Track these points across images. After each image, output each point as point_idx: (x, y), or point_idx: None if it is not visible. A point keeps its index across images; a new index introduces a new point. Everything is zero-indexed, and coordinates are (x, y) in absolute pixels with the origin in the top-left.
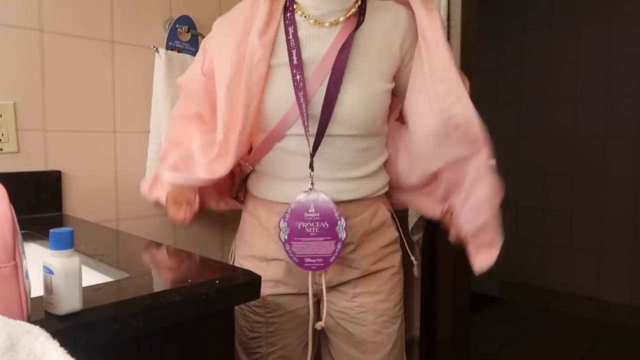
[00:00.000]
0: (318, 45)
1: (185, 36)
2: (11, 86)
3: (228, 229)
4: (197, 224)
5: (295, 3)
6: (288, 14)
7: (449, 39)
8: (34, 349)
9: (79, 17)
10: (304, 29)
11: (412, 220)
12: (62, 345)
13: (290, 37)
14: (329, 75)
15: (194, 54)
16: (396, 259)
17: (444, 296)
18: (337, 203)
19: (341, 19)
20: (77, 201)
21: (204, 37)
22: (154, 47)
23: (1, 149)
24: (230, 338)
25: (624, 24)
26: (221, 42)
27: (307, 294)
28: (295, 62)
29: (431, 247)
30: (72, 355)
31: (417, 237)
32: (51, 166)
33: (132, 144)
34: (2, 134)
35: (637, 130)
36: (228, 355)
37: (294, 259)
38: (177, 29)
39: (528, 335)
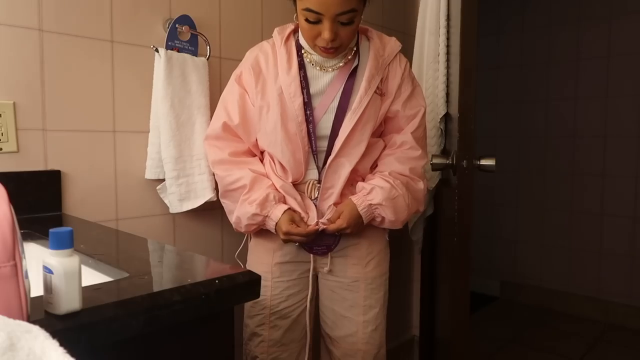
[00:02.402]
0: (322, 83)
1: (185, 36)
2: (11, 86)
3: (228, 228)
4: (197, 224)
5: (303, 48)
6: (299, 59)
7: (448, 38)
8: (34, 349)
9: (79, 17)
10: (311, 71)
11: (411, 221)
12: (61, 344)
13: (301, 78)
14: (333, 104)
15: (193, 53)
16: (384, 243)
17: (443, 296)
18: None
19: (341, 64)
20: (76, 201)
21: (204, 36)
22: (153, 46)
23: (1, 149)
24: (230, 338)
25: (624, 24)
26: (257, 82)
27: (309, 262)
28: (305, 99)
29: (431, 247)
30: (72, 355)
31: (416, 237)
32: (51, 166)
33: (131, 143)
34: (2, 134)
35: (637, 130)
36: (228, 355)
37: (305, 247)
38: (176, 28)
39: (528, 335)
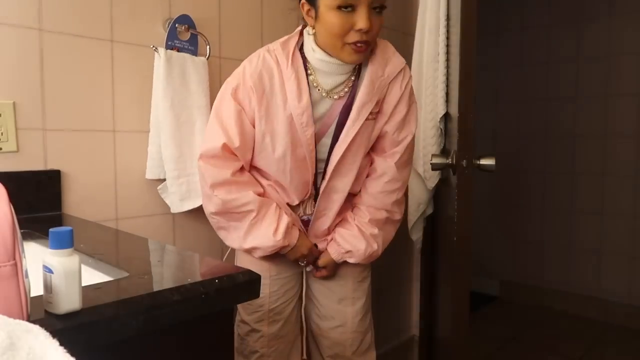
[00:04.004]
0: (323, 108)
1: (184, 35)
2: (10, 85)
3: None
4: (197, 224)
5: (309, 68)
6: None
7: (448, 38)
8: (34, 348)
9: (79, 16)
10: (315, 95)
11: (411, 221)
12: (61, 344)
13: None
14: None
15: (193, 53)
16: None
17: (443, 296)
18: None
19: (346, 90)
20: (76, 200)
21: (203, 36)
22: (153, 46)
23: (1, 149)
24: (230, 337)
25: (624, 23)
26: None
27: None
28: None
29: (431, 247)
30: (72, 354)
31: (416, 236)
32: (51, 165)
33: (131, 143)
34: (2, 133)
35: (637, 129)
36: (228, 355)
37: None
38: (176, 28)
39: (527, 335)
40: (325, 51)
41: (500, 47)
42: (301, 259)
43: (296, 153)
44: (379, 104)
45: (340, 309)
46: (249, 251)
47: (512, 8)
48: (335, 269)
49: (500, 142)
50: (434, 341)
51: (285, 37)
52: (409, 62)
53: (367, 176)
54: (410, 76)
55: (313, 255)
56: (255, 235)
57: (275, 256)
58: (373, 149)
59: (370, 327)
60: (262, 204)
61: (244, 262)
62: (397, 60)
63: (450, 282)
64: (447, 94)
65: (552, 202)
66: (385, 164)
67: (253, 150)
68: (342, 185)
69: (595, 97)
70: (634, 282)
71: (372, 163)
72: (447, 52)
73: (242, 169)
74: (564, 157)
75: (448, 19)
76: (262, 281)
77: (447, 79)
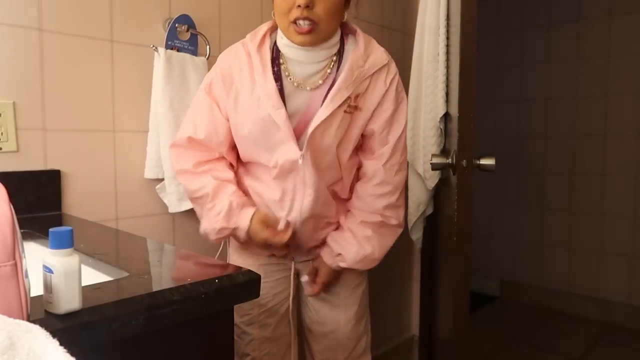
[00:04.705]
0: (297, 103)
1: (184, 35)
2: (10, 85)
3: None
4: (197, 223)
5: (282, 57)
6: (275, 68)
7: (448, 38)
8: (34, 348)
9: (79, 16)
10: (287, 87)
11: (411, 220)
12: (61, 344)
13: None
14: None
15: (193, 53)
16: None
17: (443, 296)
18: None
19: (320, 82)
20: (76, 200)
21: (203, 36)
22: (153, 46)
23: (1, 148)
24: (230, 337)
25: (624, 23)
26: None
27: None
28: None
29: (431, 247)
30: (72, 354)
31: (416, 236)
32: (50, 165)
33: (131, 143)
34: (2, 133)
35: (637, 129)
36: (227, 355)
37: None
38: (176, 28)
39: (527, 335)
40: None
41: (500, 47)
42: (270, 245)
43: (274, 140)
44: (359, 98)
45: (332, 315)
46: (204, 237)
47: (512, 8)
48: (333, 278)
49: (500, 142)
50: (434, 341)
51: (257, 28)
52: (409, 62)
53: (358, 180)
54: (397, 73)
55: (280, 240)
56: (205, 219)
57: (265, 259)
58: (362, 150)
59: (366, 332)
60: (218, 187)
61: (232, 261)
62: (381, 56)
63: (450, 282)
64: (447, 94)
65: (552, 202)
66: (374, 166)
67: (237, 146)
68: (318, 181)
69: (595, 97)
70: (634, 282)
71: (361, 167)
72: (447, 52)
73: (211, 160)
74: (564, 157)
75: (448, 19)
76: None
77: (447, 79)
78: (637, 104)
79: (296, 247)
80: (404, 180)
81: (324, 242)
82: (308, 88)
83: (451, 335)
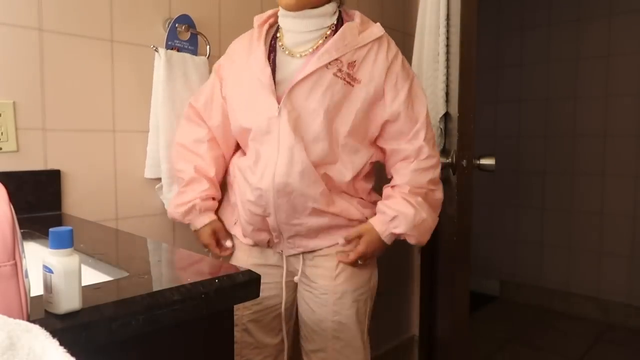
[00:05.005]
0: (289, 70)
1: (184, 35)
2: (10, 85)
3: None
4: None
5: (280, 31)
6: (272, 42)
7: (448, 38)
8: (34, 348)
9: (79, 16)
10: (280, 57)
11: None
12: (61, 344)
13: (270, 62)
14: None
15: (193, 52)
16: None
17: (443, 296)
18: None
19: (310, 50)
20: (76, 200)
21: (203, 36)
22: (153, 46)
23: (1, 148)
24: (230, 337)
25: (624, 23)
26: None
27: (282, 267)
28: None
29: (431, 247)
30: (72, 354)
31: None
32: (50, 165)
33: (131, 143)
34: (2, 133)
35: (637, 129)
36: (227, 355)
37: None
38: (176, 28)
39: (527, 335)
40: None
41: (501, 47)
42: (206, 247)
43: (259, 101)
44: (355, 67)
45: (318, 331)
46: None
47: (512, 8)
48: (373, 249)
49: (500, 142)
50: (434, 341)
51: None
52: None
53: (396, 165)
54: (399, 52)
55: (216, 253)
56: (174, 196)
57: (256, 258)
58: (390, 138)
59: (361, 349)
60: (193, 180)
61: (232, 259)
62: (378, 29)
63: (450, 282)
64: (447, 94)
65: (551, 202)
66: (416, 144)
67: (231, 125)
68: (296, 146)
69: (595, 97)
70: (634, 282)
71: (390, 155)
72: (447, 52)
73: (206, 140)
74: (564, 157)
75: (448, 19)
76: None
77: (447, 79)
78: (637, 104)
79: (276, 230)
80: (440, 164)
81: (312, 233)
82: (298, 55)
83: (451, 335)
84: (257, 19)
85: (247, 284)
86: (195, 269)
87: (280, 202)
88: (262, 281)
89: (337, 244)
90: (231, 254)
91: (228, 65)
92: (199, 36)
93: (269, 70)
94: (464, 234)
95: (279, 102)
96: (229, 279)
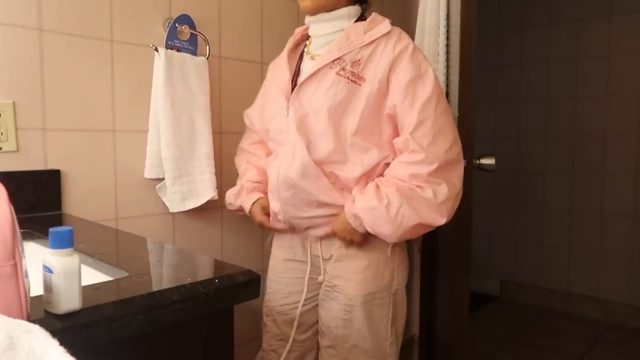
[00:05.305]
0: (305, 71)
1: (184, 35)
2: (10, 85)
3: (227, 228)
4: (197, 223)
5: (310, 39)
6: (303, 49)
7: (448, 38)
8: (34, 348)
9: (79, 16)
10: (305, 62)
11: None
12: (61, 344)
13: (296, 68)
14: None
15: (193, 52)
16: (379, 260)
17: (443, 296)
18: None
19: (323, 52)
20: (76, 200)
21: (203, 36)
22: (153, 46)
23: (1, 148)
24: (230, 337)
25: (624, 23)
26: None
27: (306, 262)
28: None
29: (431, 247)
30: (72, 354)
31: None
32: (50, 165)
33: (131, 143)
34: (2, 133)
35: (637, 129)
36: (227, 355)
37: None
38: (176, 28)
39: (527, 335)
40: None
41: (500, 47)
42: (259, 225)
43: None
44: (361, 66)
45: (331, 328)
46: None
47: (512, 8)
48: (350, 235)
49: (500, 142)
50: (434, 341)
51: None
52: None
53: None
54: (410, 44)
55: (268, 226)
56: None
57: (286, 254)
58: (396, 134)
59: (374, 352)
60: (245, 170)
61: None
62: (385, 25)
63: (450, 282)
64: (447, 94)
65: (551, 202)
66: (403, 137)
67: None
68: (300, 143)
69: (595, 97)
70: (634, 282)
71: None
72: (447, 52)
73: (257, 142)
74: (564, 157)
75: (448, 19)
76: (270, 276)
77: (447, 79)
78: (637, 104)
79: (287, 222)
80: (446, 154)
81: (322, 223)
82: (316, 57)
83: (451, 335)
84: (299, 30)
85: (247, 284)
86: (195, 269)
87: (286, 195)
88: (289, 275)
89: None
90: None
91: (268, 76)
92: (198, 36)
93: (288, 74)
94: (464, 234)
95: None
96: (229, 279)
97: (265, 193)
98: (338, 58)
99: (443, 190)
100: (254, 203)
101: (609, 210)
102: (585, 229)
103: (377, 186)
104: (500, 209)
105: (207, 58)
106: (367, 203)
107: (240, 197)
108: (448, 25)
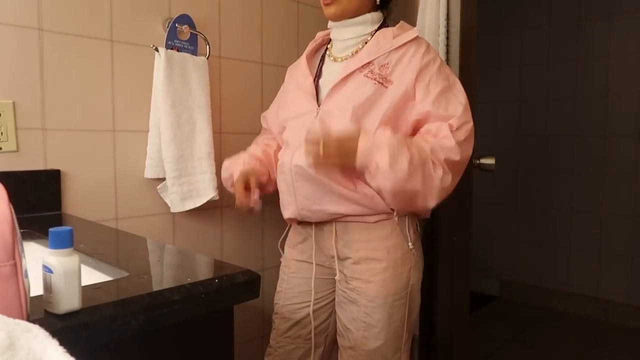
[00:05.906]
0: (330, 73)
1: (184, 35)
2: (10, 85)
3: (227, 228)
4: (197, 223)
5: (331, 42)
6: (324, 52)
7: (448, 38)
8: (33, 348)
9: (78, 16)
10: (327, 64)
11: None
12: (61, 344)
13: (318, 70)
14: None
15: (193, 52)
16: (397, 261)
17: (443, 295)
18: None
19: (349, 55)
20: (76, 200)
21: (203, 36)
22: (153, 46)
23: (0, 148)
24: (230, 337)
25: (624, 23)
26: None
27: (319, 264)
28: (316, 85)
29: (431, 246)
30: (72, 354)
31: None
32: (50, 165)
33: (131, 143)
34: (2, 133)
35: (637, 129)
36: (228, 355)
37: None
38: (176, 27)
39: (527, 334)
40: None
41: (500, 47)
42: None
43: (302, 105)
44: (389, 69)
45: (351, 329)
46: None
47: (512, 8)
48: (337, 157)
49: (500, 142)
50: (434, 341)
51: None
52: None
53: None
54: (438, 57)
55: (240, 198)
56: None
57: (298, 254)
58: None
59: (390, 354)
60: (250, 148)
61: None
62: (413, 32)
63: (450, 282)
64: None
65: (551, 202)
66: (442, 125)
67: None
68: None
69: (595, 97)
70: (634, 282)
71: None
72: (447, 52)
73: (270, 139)
74: (564, 157)
75: (448, 19)
76: (281, 275)
77: None
78: (637, 104)
79: (299, 206)
80: (467, 159)
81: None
82: (340, 60)
83: (451, 335)
84: (322, 33)
85: (247, 284)
86: (195, 268)
87: (299, 184)
88: (299, 275)
89: (368, 245)
90: (252, 210)
91: (287, 79)
92: (198, 36)
93: (310, 77)
94: (464, 234)
95: (319, 104)
96: (229, 279)
97: (263, 173)
98: (368, 62)
99: (448, 180)
100: (240, 173)
101: (609, 210)
102: (585, 229)
103: (403, 137)
104: (500, 209)
105: (207, 58)
106: (395, 144)
107: (234, 165)
108: (448, 25)
